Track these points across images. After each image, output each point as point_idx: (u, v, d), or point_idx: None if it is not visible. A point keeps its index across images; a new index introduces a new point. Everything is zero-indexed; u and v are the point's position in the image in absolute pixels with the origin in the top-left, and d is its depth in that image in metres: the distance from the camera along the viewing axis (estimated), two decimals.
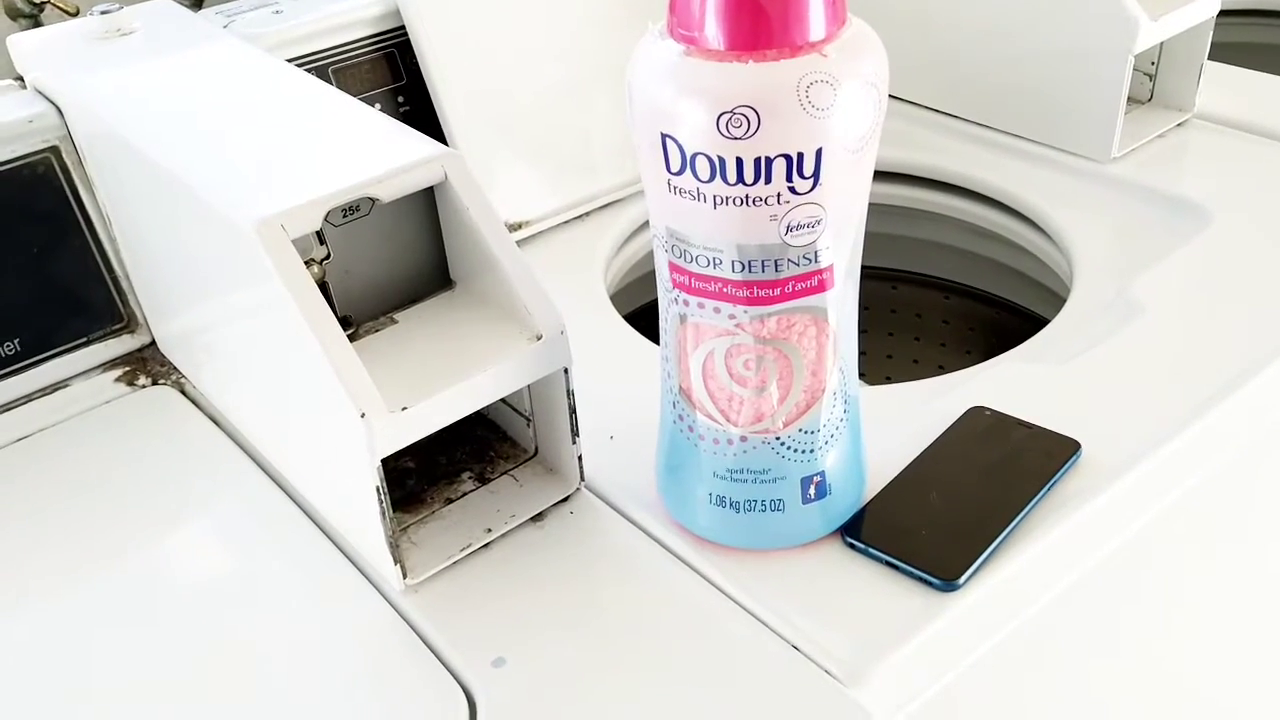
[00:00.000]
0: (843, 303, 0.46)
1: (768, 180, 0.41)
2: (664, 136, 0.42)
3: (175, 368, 0.66)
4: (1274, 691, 0.64)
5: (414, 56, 0.76)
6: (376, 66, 0.76)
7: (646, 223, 0.84)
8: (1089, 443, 0.55)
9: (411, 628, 0.49)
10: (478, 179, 0.50)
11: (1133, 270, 0.68)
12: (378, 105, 0.76)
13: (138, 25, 0.67)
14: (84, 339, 0.65)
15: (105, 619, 0.50)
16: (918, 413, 0.58)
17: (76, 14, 0.84)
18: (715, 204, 0.42)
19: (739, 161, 0.41)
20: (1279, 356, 0.60)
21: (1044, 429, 0.55)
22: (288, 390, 0.51)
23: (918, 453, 0.55)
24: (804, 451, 0.48)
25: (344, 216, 0.51)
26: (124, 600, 0.51)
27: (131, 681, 0.47)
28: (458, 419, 0.48)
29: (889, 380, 1.03)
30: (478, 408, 0.48)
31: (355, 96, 0.75)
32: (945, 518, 0.51)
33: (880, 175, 0.87)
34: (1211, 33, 0.79)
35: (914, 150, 0.86)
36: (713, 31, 0.40)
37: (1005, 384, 0.60)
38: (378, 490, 0.47)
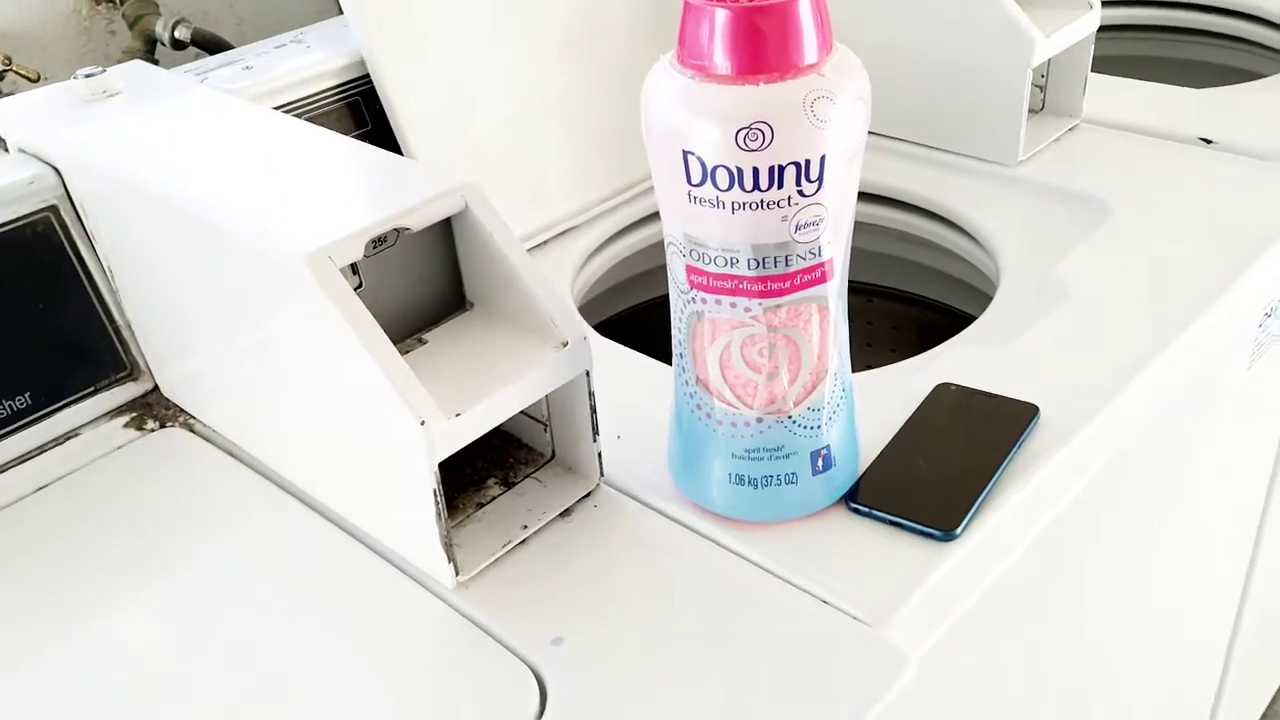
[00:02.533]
0: (840, 292, 0.53)
1: (780, 186, 0.47)
2: (685, 154, 0.47)
3: (181, 409, 0.69)
4: (1212, 587, 0.73)
5: (377, 103, 0.80)
6: (342, 115, 0.80)
7: (603, 245, 0.89)
8: (1045, 406, 0.62)
9: (470, 620, 0.53)
10: (495, 205, 0.55)
11: (1052, 259, 0.77)
12: None
13: (122, 86, 0.70)
14: (91, 388, 0.67)
15: (166, 645, 0.53)
16: (888, 394, 0.65)
17: (38, 80, 0.86)
18: (733, 209, 0.48)
19: (755, 171, 0.47)
20: (1193, 320, 0.68)
21: (1005, 397, 0.63)
22: (330, 412, 0.55)
23: (897, 428, 0.62)
24: (812, 428, 0.54)
25: (374, 247, 0.55)
26: (183, 624, 0.54)
27: (206, 705, 0.50)
28: (502, 421, 0.52)
29: None
30: (520, 409, 0.53)
31: None
32: (934, 479, 0.58)
33: None
34: (1093, 47, 0.89)
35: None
36: (721, 60, 0.46)
37: (962, 363, 0.67)
38: (434, 493, 0.51)
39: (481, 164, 0.82)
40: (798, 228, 0.48)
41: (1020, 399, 0.62)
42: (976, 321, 0.73)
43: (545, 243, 0.86)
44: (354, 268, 0.54)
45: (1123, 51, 1.32)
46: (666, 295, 0.55)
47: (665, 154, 0.48)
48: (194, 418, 0.69)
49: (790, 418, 0.53)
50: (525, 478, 0.60)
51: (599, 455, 0.59)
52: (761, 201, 0.47)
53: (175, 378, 0.69)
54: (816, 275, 0.50)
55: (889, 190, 0.92)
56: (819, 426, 0.54)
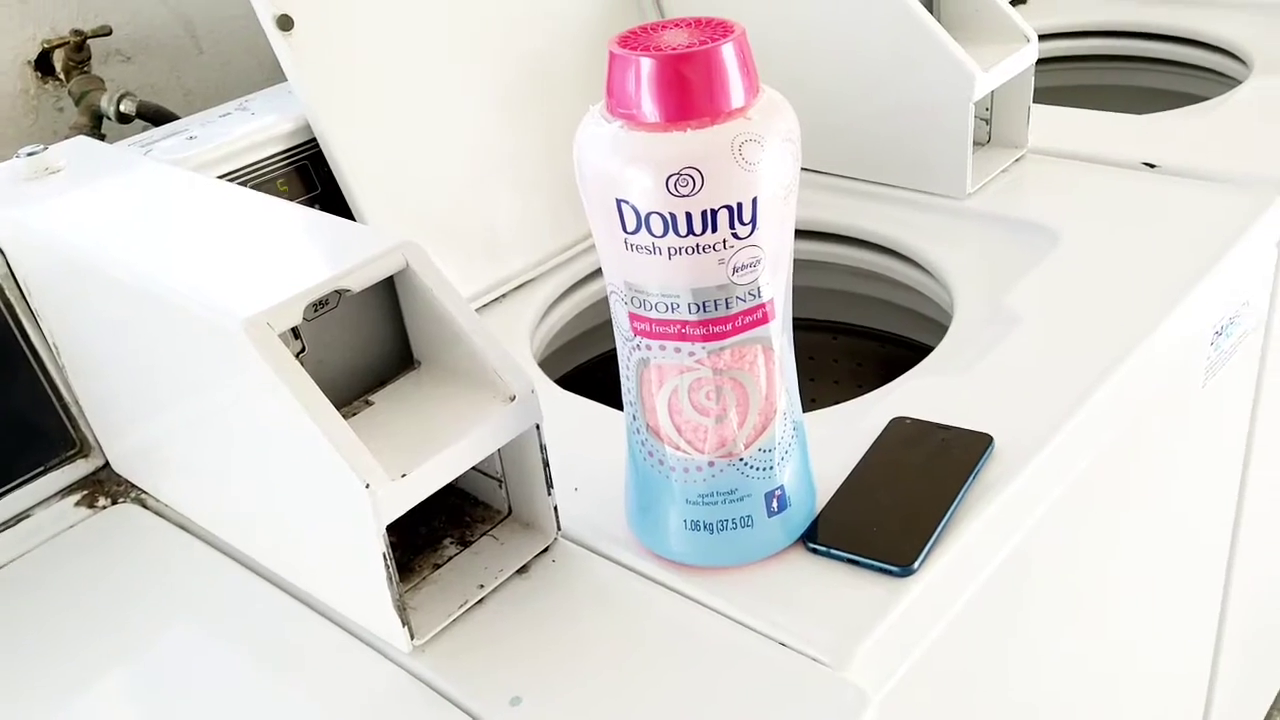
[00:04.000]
0: (783, 332, 0.53)
1: (714, 229, 0.47)
2: (619, 202, 0.47)
3: (133, 484, 0.68)
4: (1188, 606, 0.72)
5: (326, 166, 0.80)
6: (291, 179, 0.80)
7: (560, 297, 0.89)
8: (999, 436, 0.62)
9: (426, 685, 0.52)
10: (436, 262, 0.55)
11: (1003, 288, 0.77)
12: None
13: (63, 163, 0.69)
14: (41, 468, 0.66)
15: None
16: (846, 430, 0.64)
17: None
18: (670, 255, 0.48)
19: (688, 216, 0.47)
20: (1142, 341, 0.69)
21: (960, 428, 0.63)
22: (278, 479, 0.54)
23: (853, 464, 0.61)
24: (765, 469, 0.54)
25: (315, 311, 0.54)
26: (141, 703, 0.53)
27: None
28: (451, 479, 0.52)
29: None
30: (469, 467, 0.52)
31: None
32: (890, 514, 0.57)
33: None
34: (1033, 79, 0.91)
35: (798, 207, 0.94)
36: (649, 108, 0.47)
37: (917, 396, 0.67)
38: (384, 556, 0.50)
39: (433, 221, 0.82)
40: (735, 270, 0.49)
41: (975, 429, 0.62)
42: (932, 354, 0.73)
43: (502, 297, 0.86)
44: (296, 332, 0.54)
45: (1070, 81, 1.34)
46: None
47: (600, 203, 0.48)
48: (146, 493, 0.68)
49: (742, 460, 0.53)
50: (482, 535, 0.59)
51: (555, 509, 0.58)
52: (697, 246, 0.47)
53: (125, 453, 0.68)
54: (758, 316, 0.50)
55: (845, 228, 0.92)
56: (771, 467, 0.54)
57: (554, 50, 0.91)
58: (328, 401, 0.49)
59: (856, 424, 0.65)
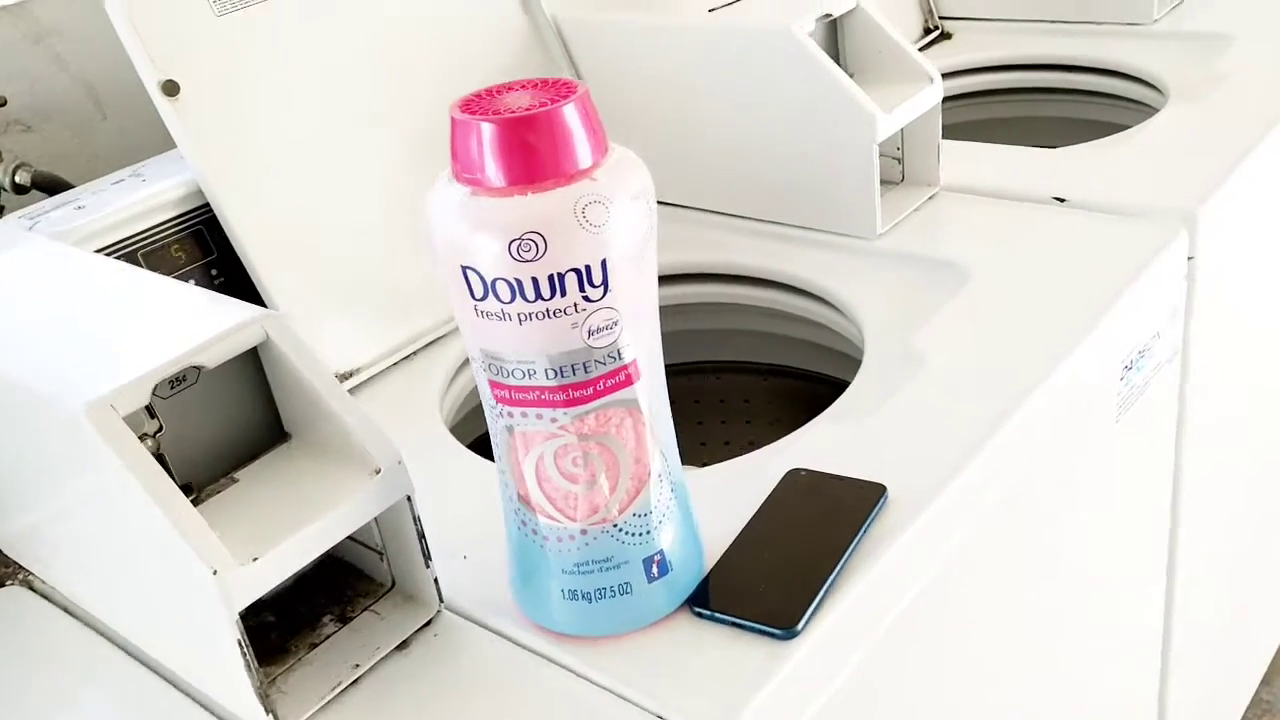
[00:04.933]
0: (652, 392, 0.51)
1: (563, 293, 0.46)
2: (464, 269, 0.46)
3: (20, 565, 0.66)
4: (1112, 662, 0.71)
5: (222, 230, 0.79)
6: (186, 244, 0.79)
7: None
8: (895, 485, 0.61)
9: None
10: (302, 334, 0.53)
11: (911, 329, 0.76)
12: (192, 281, 0.79)
13: None
14: None
15: None
16: (743, 484, 0.63)
17: None
18: (520, 321, 0.47)
19: (535, 281, 0.45)
20: (1041, 382, 0.68)
21: (854, 479, 0.61)
22: (140, 564, 0.52)
23: (747, 520, 0.60)
24: (641, 534, 0.52)
25: (171, 388, 0.53)
26: None
27: None
28: (310, 561, 0.50)
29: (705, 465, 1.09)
30: (327, 548, 0.51)
31: (168, 276, 0.78)
32: (779, 573, 0.56)
33: (682, 277, 0.95)
34: (940, 117, 0.90)
35: (709, 251, 0.93)
36: (490, 172, 0.46)
37: (819, 445, 0.66)
38: (239, 644, 0.48)
39: (335, 281, 0.81)
40: (591, 333, 0.47)
41: (868, 479, 0.61)
42: (836, 402, 0.72)
43: (411, 356, 0.85)
44: (151, 411, 0.52)
45: (995, 115, 1.35)
46: None
47: (449, 270, 0.47)
48: (33, 574, 0.66)
49: (616, 526, 0.52)
50: (363, 610, 0.58)
51: (435, 581, 0.56)
52: (547, 311, 0.46)
53: (12, 533, 0.66)
54: (621, 379, 0.49)
55: (763, 271, 0.91)
56: (649, 532, 0.52)
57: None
58: (173, 485, 0.47)
59: (754, 477, 0.64)
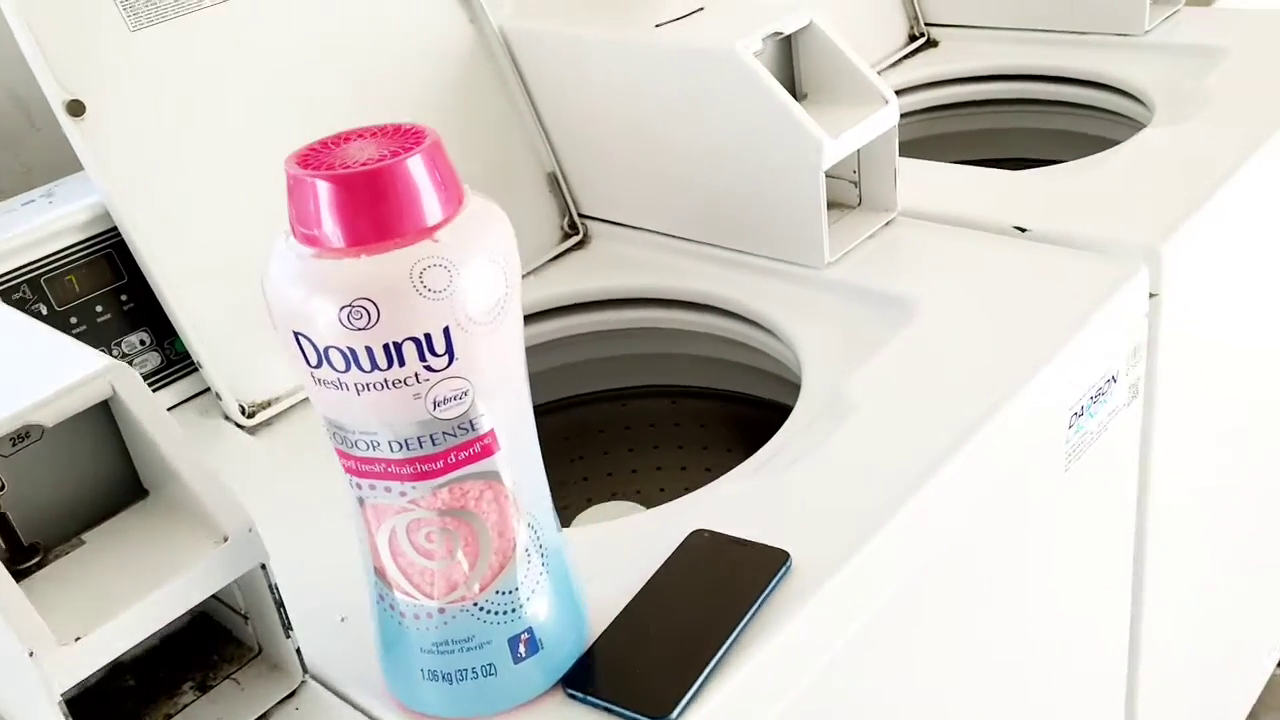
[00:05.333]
0: (518, 461, 0.48)
1: (401, 363, 0.42)
2: (296, 335, 0.43)
3: None
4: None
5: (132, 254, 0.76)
6: (94, 269, 0.76)
7: None
8: (807, 549, 0.57)
9: None
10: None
11: (848, 370, 0.72)
12: (99, 308, 0.76)
13: None
14: None
15: None
16: (645, 543, 0.59)
17: None
18: (359, 391, 0.43)
19: (369, 350, 0.42)
20: (970, 438, 0.64)
21: (758, 544, 0.57)
22: None
23: (642, 585, 0.56)
24: (505, 613, 0.49)
25: (13, 446, 0.49)
26: None
27: None
28: (143, 639, 0.47)
29: (662, 491, 1.06)
30: (163, 624, 0.47)
31: (73, 302, 0.75)
32: (663, 649, 0.52)
33: (624, 302, 0.91)
34: (897, 140, 0.86)
35: (654, 274, 0.89)
36: (330, 232, 0.42)
37: (730, 503, 0.62)
38: None
39: (249, 307, 0.78)
40: (436, 405, 0.44)
41: (776, 544, 0.57)
42: (760, 451, 0.68)
43: None
44: None
45: (981, 126, 1.30)
46: None
47: (284, 334, 0.44)
48: None
49: (477, 605, 0.48)
50: (225, 678, 0.54)
51: (298, 652, 0.53)
52: (386, 381, 0.43)
53: None
54: (476, 450, 0.45)
55: (712, 298, 0.87)
56: (514, 610, 0.49)
57: (398, 118, 0.87)
58: None
59: (658, 535, 0.60)
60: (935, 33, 1.35)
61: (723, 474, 0.85)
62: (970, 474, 0.64)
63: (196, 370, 0.77)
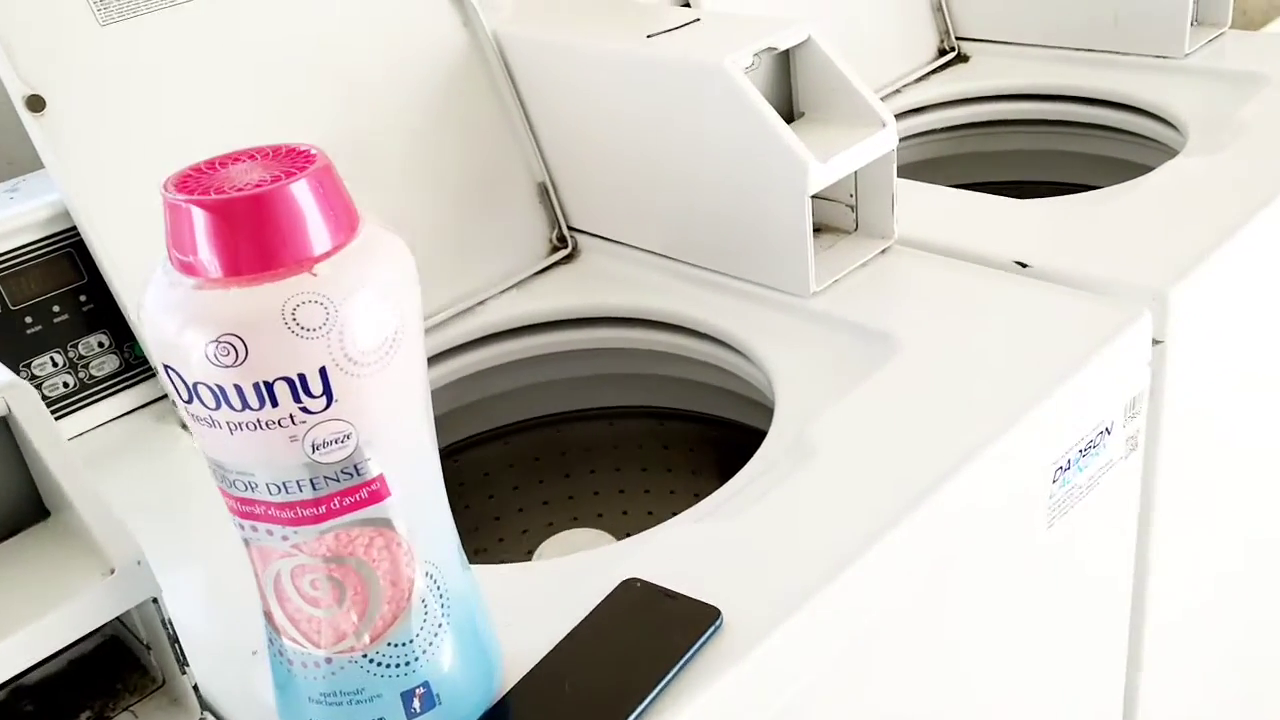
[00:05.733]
0: (415, 506, 0.45)
1: (274, 404, 0.40)
2: (166, 368, 0.40)
3: None
4: None
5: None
6: (53, 268, 0.74)
7: None
8: (739, 607, 0.53)
9: None
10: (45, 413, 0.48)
11: (818, 408, 0.68)
12: (56, 308, 0.74)
13: None
14: None
15: None
16: (577, 589, 0.56)
17: None
18: (231, 430, 0.40)
19: (238, 389, 0.39)
20: (933, 493, 0.59)
21: (689, 598, 0.54)
22: None
23: (566, 634, 0.53)
24: (398, 665, 0.46)
25: None
26: None
27: None
28: (21, 670, 0.45)
29: (650, 514, 1.02)
30: (34, 662, 0.45)
31: (30, 301, 0.74)
32: (576, 708, 0.49)
33: (612, 320, 0.88)
34: (895, 166, 0.82)
35: (646, 294, 0.86)
36: (206, 260, 0.39)
37: (670, 549, 0.59)
38: None
39: None
40: (315, 448, 0.41)
41: (706, 599, 0.54)
42: (714, 493, 0.64)
43: None
44: None
45: (1009, 146, 1.25)
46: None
47: (156, 366, 0.41)
48: None
49: (366, 657, 0.45)
50: (124, 710, 0.52)
51: (195, 688, 0.51)
52: (258, 422, 0.40)
53: None
54: (363, 496, 0.43)
55: (689, 321, 0.84)
56: (408, 663, 0.46)
57: (384, 127, 0.85)
58: None
59: (592, 579, 0.57)
60: (966, 47, 1.30)
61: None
62: (933, 529, 0.60)
63: (155, 375, 0.76)
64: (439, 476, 0.46)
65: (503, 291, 0.89)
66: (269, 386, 0.39)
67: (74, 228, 0.74)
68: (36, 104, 0.71)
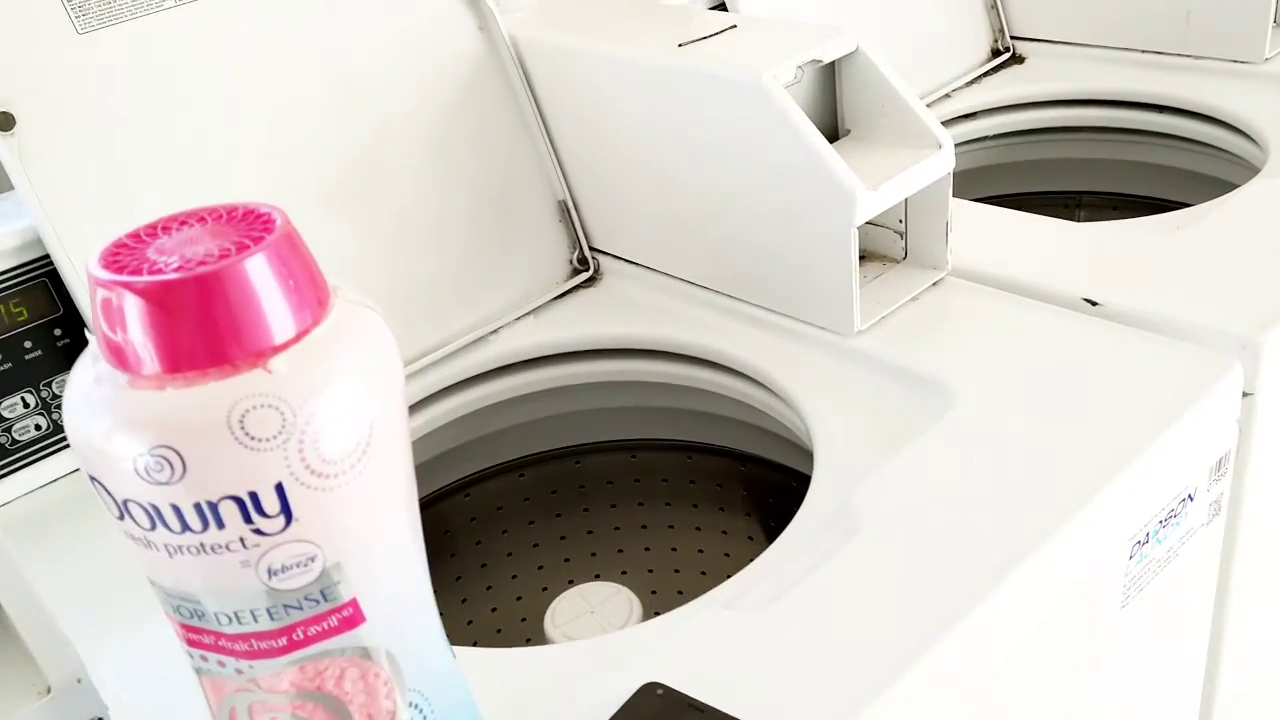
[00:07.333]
0: (398, 630, 0.38)
1: (220, 526, 0.33)
2: (92, 479, 0.33)
3: None
4: None
5: None
6: (25, 299, 0.68)
7: None
8: (792, 715, 0.46)
9: None
10: None
11: (862, 472, 0.61)
12: (28, 343, 0.68)
13: None
14: None
15: None
16: (589, 689, 0.49)
17: None
18: (170, 553, 0.34)
19: (176, 509, 0.32)
20: (1002, 579, 0.52)
21: (716, 711, 0.47)
22: None
23: None
24: None
25: None
26: None
27: None
28: None
29: (701, 552, 0.95)
30: None
31: (2, 334, 0.67)
32: None
33: (636, 352, 0.81)
34: (950, 190, 0.74)
35: (674, 326, 0.79)
36: (141, 353, 0.32)
37: (696, 643, 0.52)
38: None
39: None
40: (272, 574, 0.34)
41: (734, 715, 0.47)
42: (742, 572, 0.57)
43: None
44: None
45: (1061, 155, 1.17)
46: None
47: (83, 474, 0.34)
48: None
49: None
50: None
51: None
52: (201, 545, 0.33)
53: None
54: (332, 624, 0.36)
55: (722, 357, 0.76)
56: None
57: (390, 138, 0.78)
58: None
59: (608, 679, 0.50)
60: (1022, 48, 1.21)
61: (737, 538, 0.73)
62: (995, 625, 0.52)
63: None
64: (427, 587, 0.40)
65: (519, 318, 0.83)
66: (213, 506, 0.32)
67: (48, 255, 0.68)
68: (5, 121, 0.64)
